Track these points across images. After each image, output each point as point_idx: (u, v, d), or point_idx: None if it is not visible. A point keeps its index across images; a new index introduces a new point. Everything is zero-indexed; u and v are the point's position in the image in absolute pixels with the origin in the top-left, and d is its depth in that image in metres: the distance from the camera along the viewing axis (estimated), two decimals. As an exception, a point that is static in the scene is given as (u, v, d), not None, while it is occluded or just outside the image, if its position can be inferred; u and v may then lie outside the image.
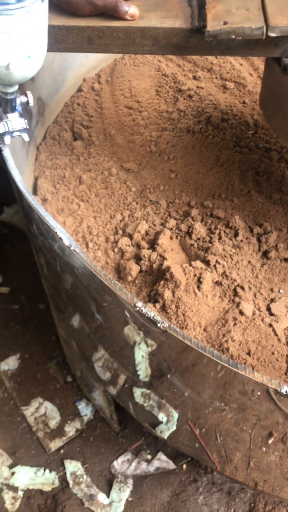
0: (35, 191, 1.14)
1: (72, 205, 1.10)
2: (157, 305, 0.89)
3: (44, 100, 1.20)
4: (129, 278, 0.96)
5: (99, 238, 1.05)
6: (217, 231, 1.02)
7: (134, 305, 0.57)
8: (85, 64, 1.36)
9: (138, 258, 0.99)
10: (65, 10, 0.87)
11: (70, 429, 1.15)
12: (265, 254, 1.01)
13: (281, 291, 0.97)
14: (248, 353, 0.87)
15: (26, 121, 0.81)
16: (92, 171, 1.17)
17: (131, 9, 0.85)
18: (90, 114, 1.30)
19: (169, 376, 0.84)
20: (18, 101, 0.79)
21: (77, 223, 1.07)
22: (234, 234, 1.02)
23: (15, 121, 0.80)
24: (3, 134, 0.80)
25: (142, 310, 0.57)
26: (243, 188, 1.12)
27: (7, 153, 0.80)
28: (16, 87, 0.75)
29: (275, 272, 0.99)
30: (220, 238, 1.01)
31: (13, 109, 0.79)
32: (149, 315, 0.57)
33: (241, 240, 1.01)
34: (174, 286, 0.90)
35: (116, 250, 1.02)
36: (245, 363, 0.85)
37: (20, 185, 0.74)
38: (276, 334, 0.90)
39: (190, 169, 1.18)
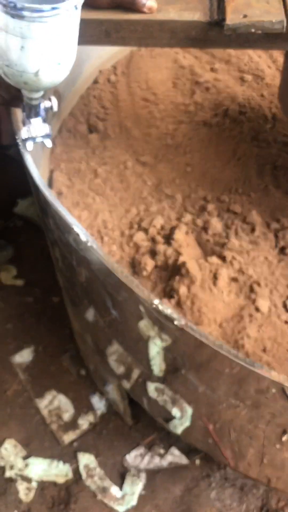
0: (50, 185, 1.13)
1: (88, 198, 1.10)
2: (172, 301, 0.89)
3: (60, 92, 1.20)
4: (144, 273, 0.96)
5: (114, 232, 1.04)
6: (234, 227, 1.01)
7: (151, 302, 0.57)
8: (102, 55, 1.35)
9: (153, 253, 0.98)
10: (83, 2, 0.86)
11: (84, 422, 1.16)
12: (282, 250, 1.00)
13: (297, 288, 0.96)
14: (264, 350, 0.87)
15: (49, 126, 0.80)
16: (107, 164, 1.17)
17: (149, 2, 0.83)
18: (106, 106, 1.29)
19: (183, 371, 0.84)
20: (42, 106, 0.78)
21: (92, 217, 1.07)
22: (250, 230, 1.01)
23: (38, 126, 0.79)
24: (26, 139, 0.79)
25: (159, 307, 0.56)
26: (260, 183, 1.11)
27: (26, 152, 0.80)
28: (42, 93, 0.74)
29: (292, 269, 0.98)
30: (236, 233, 1.00)
31: (37, 114, 0.78)
32: (166, 313, 0.56)
33: (258, 236, 1.00)
34: (189, 282, 0.89)
35: (131, 244, 1.02)
36: (260, 360, 0.85)
37: (37, 179, 0.74)
38: (292, 332, 0.90)
39: (207, 163, 1.17)
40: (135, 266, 0.98)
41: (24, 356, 1.27)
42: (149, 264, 0.96)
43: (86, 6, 0.87)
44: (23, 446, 1.13)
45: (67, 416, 1.17)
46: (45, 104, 0.78)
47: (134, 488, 1.07)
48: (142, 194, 1.11)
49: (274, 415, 0.80)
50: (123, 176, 1.14)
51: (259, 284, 0.93)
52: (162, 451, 1.11)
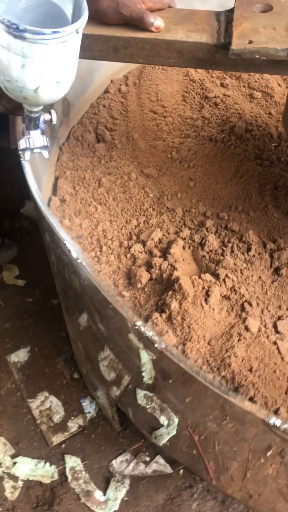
0: (55, 191, 1.16)
1: (90, 207, 1.12)
2: (163, 315, 0.91)
3: (70, 101, 1.22)
4: (139, 285, 0.98)
5: (113, 242, 1.06)
6: (230, 244, 1.02)
7: (134, 323, 0.59)
8: (113, 65, 1.37)
9: (149, 266, 1.00)
10: (93, 18, 0.88)
11: (73, 425, 1.18)
12: (277, 271, 1.01)
13: (289, 309, 0.98)
14: (250, 370, 0.88)
15: (47, 138, 0.83)
16: (112, 174, 1.19)
17: (157, 21, 0.85)
18: (114, 116, 1.31)
19: (171, 381, 0.86)
20: (42, 118, 0.80)
21: (93, 226, 1.09)
22: (247, 249, 1.02)
23: (36, 138, 0.82)
24: (24, 149, 0.82)
25: (141, 329, 0.58)
26: (260, 202, 1.12)
27: (25, 161, 0.82)
28: (41, 107, 0.77)
29: (285, 290, 0.99)
30: (232, 251, 1.02)
31: (36, 127, 0.81)
32: (147, 335, 0.58)
33: (253, 255, 1.01)
34: (181, 297, 0.91)
35: (128, 255, 1.04)
36: (245, 380, 0.86)
37: (34, 191, 0.76)
38: (280, 353, 0.91)
39: (209, 179, 1.18)
40: (130, 278, 1.00)
41: (20, 356, 1.30)
42: (144, 276, 0.98)
43: (96, 21, 0.90)
44: (12, 445, 1.16)
45: (57, 418, 1.19)
46: (44, 117, 0.81)
47: (117, 494, 1.09)
48: (144, 206, 1.13)
49: (258, 431, 0.81)
50: (126, 187, 1.16)
51: (250, 304, 0.95)
52: (147, 458, 1.13)
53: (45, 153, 0.84)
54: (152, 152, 1.25)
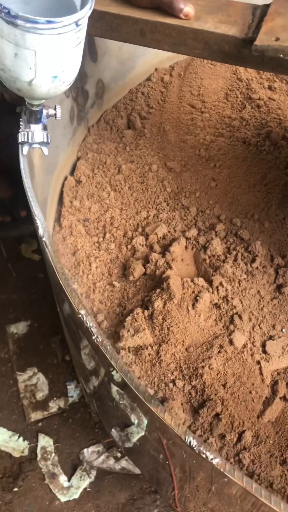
0: (72, 171, 1.15)
1: (103, 192, 1.10)
2: (146, 312, 0.88)
3: (105, 83, 1.20)
4: (131, 278, 0.95)
5: (118, 231, 1.04)
6: (235, 252, 0.97)
7: (78, 310, 0.56)
8: (159, 54, 1.34)
9: (147, 260, 0.97)
10: None
11: (54, 406, 1.18)
12: (279, 288, 0.95)
13: (283, 330, 0.91)
14: (224, 385, 0.83)
15: (48, 134, 0.78)
16: (134, 162, 1.16)
17: (187, 8, 0.81)
18: (151, 105, 1.28)
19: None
20: (44, 112, 0.76)
21: (102, 211, 1.07)
22: (251, 260, 0.97)
23: (37, 133, 0.77)
24: (22, 143, 0.78)
25: (83, 318, 0.56)
26: (278, 214, 1.06)
27: (22, 156, 0.78)
28: (42, 101, 0.73)
29: (283, 309, 0.93)
30: (235, 260, 0.97)
31: (37, 121, 0.77)
32: (88, 325, 0.56)
33: (257, 268, 0.96)
34: (167, 297, 0.88)
35: (129, 246, 1.01)
36: (215, 395, 0.81)
37: (31, 197, 0.71)
38: (261, 373, 0.86)
39: (233, 182, 1.13)
40: (125, 269, 0.98)
41: (19, 328, 1.31)
42: (137, 270, 0.95)
43: (128, 2, 0.87)
44: (-8, 413, 1.17)
45: (40, 395, 1.19)
46: (48, 111, 0.77)
47: (81, 483, 1.08)
48: (158, 199, 1.10)
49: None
50: (144, 178, 1.13)
51: (241, 317, 0.89)
52: (118, 455, 1.11)
53: (45, 150, 0.79)
54: (180, 146, 1.21)
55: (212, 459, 0.48)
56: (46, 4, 0.68)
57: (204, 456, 0.48)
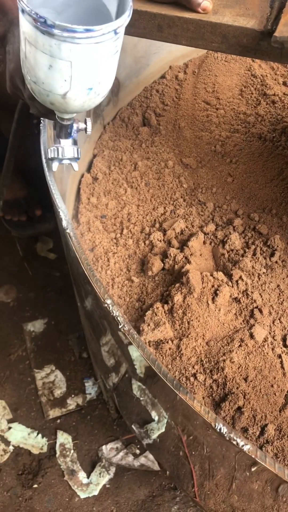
0: (89, 168, 1.15)
1: (120, 189, 1.10)
2: (165, 307, 0.88)
3: (120, 80, 1.21)
4: (150, 273, 0.95)
5: (135, 227, 1.04)
6: (253, 247, 0.97)
7: (104, 300, 0.56)
8: (173, 51, 1.34)
9: (165, 255, 0.97)
10: None
11: (72, 403, 1.18)
12: (298, 282, 0.95)
13: (304, 324, 0.91)
14: (245, 379, 0.83)
15: (78, 149, 0.74)
16: (150, 159, 1.16)
17: (204, 2, 0.82)
18: (166, 102, 1.29)
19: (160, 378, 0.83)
20: (75, 127, 0.72)
21: (119, 208, 1.08)
22: (270, 254, 0.97)
23: (67, 148, 0.73)
24: (52, 159, 0.74)
25: (109, 308, 0.56)
26: (296, 208, 1.05)
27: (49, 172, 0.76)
28: (73, 115, 0.69)
29: (303, 303, 0.93)
30: (254, 254, 0.96)
31: (67, 135, 0.73)
32: (114, 314, 0.56)
33: (276, 262, 0.95)
34: (187, 291, 0.87)
35: (147, 242, 1.01)
36: (237, 388, 0.81)
37: (61, 209, 0.69)
38: (282, 367, 0.85)
39: (249, 177, 1.13)
40: (144, 264, 0.98)
41: (36, 326, 1.31)
42: (156, 265, 0.95)
43: (144, -2, 0.87)
44: (11, 410, 1.18)
45: (58, 392, 1.20)
46: (78, 125, 0.72)
47: (100, 480, 1.08)
48: (175, 195, 1.10)
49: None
50: (161, 174, 1.13)
51: (261, 311, 0.89)
52: (137, 451, 1.11)
53: (75, 166, 0.76)
54: (196, 143, 1.21)
55: (243, 445, 0.48)
56: (80, 14, 0.65)
57: (235, 443, 0.47)
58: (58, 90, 0.59)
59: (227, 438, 0.49)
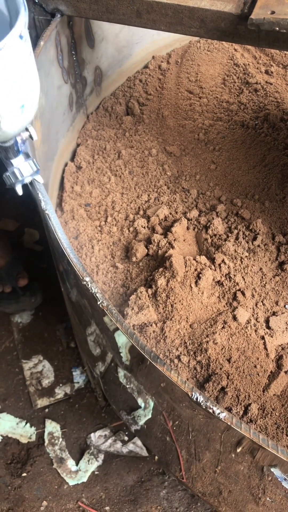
0: (72, 157, 1.16)
1: (104, 177, 1.11)
2: (149, 291, 0.88)
3: (102, 70, 1.21)
4: (134, 259, 0.96)
5: (119, 214, 1.05)
6: (236, 231, 0.98)
7: (83, 278, 0.57)
8: (157, 41, 1.35)
9: (149, 242, 0.98)
10: None
11: (60, 392, 1.18)
12: (281, 265, 0.96)
13: (287, 306, 0.92)
14: (228, 360, 0.84)
15: (34, 160, 0.69)
16: (133, 148, 1.17)
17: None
18: (149, 92, 1.29)
19: (146, 364, 0.83)
20: (19, 140, 0.65)
21: (103, 196, 1.08)
22: (252, 238, 0.98)
23: (22, 166, 0.68)
24: (13, 184, 0.68)
25: (88, 285, 0.56)
26: (278, 193, 1.06)
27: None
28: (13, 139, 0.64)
29: (286, 286, 0.94)
30: (237, 238, 0.97)
31: (16, 153, 0.67)
32: (93, 291, 0.56)
33: (258, 245, 0.96)
34: (170, 275, 0.88)
35: (131, 229, 1.02)
36: (220, 369, 0.82)
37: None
38: (265, 348, 0.86)
39: (232, 164, 1.14)
40: (128, 251, 0.99)
41: (23, 317, 1.31)
42: (140, 251, 0.95)
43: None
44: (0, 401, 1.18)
45: (46, 382, 1.20)
46: (22, 137, 0.66)
47: (89, 466, 1.08)
48: (159, 182, 1.10)
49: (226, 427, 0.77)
50: (144, 162, 1.14)
51: (244, 294, 0.90)
52: (126, 438, 1.12)
53: (39, 178, 0.70)
54: (179, 131, 1.22)
55: (219, 413, 0.48)
56: None
57: (211, 411, 0.48)
58: None
59: (204, 407, 0.49)
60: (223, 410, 0.49)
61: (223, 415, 0.48)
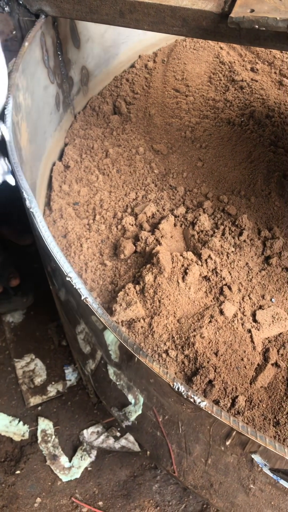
0: (60, 157, 1.16)
1: (92, 176, 1.12)
2: (137, 287, 0.89)
3: (89, 70, 1.22)
4: (122, 256, 0.97)
5: (107, 212, 1.06)
6: (222, 227, 0.99)
7: (67, 274, 0.58)
8: (143, 41, 1.36)
9: (137, 239, 0.99)
10: None
11: (52, 390, 1.19)
12: (267, 260, 0.97)
13: (273, 300, 0.93)
14: (216, 353, 0.85)
15: (5, 159, 0.67)
16: (121, 146, 1.18)
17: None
18: (136, 91, 1.30)
19: (135, 361, 0.84)
20: None
21: (92, 194, 1.09)
22: (239, 233, 0.99)
23: None
24: None
25: (72, 281, 0.57)
26: (264, 189, 1.08)
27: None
28: None
29: (272, 280, 0.95)
30: (223, 234, 0.98)
31: None
32: (76, 287, 0.57)
33: (244, 240, 0.98)
34: (157, 271, 0.89)
35: (119, 227, 1.03)
36: (207, 362, 0.83)
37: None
38: (252, 341, 0.87)
39: (219, 161, 1.15)
40: (116, 248, 1.00)
41: (15, 317, 1.32)
42: (128, 248, 0.96)
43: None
44: (-8, 400, 1.19)
45: (38, 380, 1.21)
46: None
47: (82, 463, 1.09)
48: (146, 180, 1.12)
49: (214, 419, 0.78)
50: (132, 160, 1.15)
51: (230, 288, 0.91)
52: (118, 434, 1.13)
53: (11, 180, 0.69)
54: (166, 129, 1.23)
55: (200, 402, 0.50)
56: None
57: (192, 400, 0.49)
58: None
59: (185, 397, 0.50)
60: (203, 399, 0.50)
61: (204, 404, 0.50)
